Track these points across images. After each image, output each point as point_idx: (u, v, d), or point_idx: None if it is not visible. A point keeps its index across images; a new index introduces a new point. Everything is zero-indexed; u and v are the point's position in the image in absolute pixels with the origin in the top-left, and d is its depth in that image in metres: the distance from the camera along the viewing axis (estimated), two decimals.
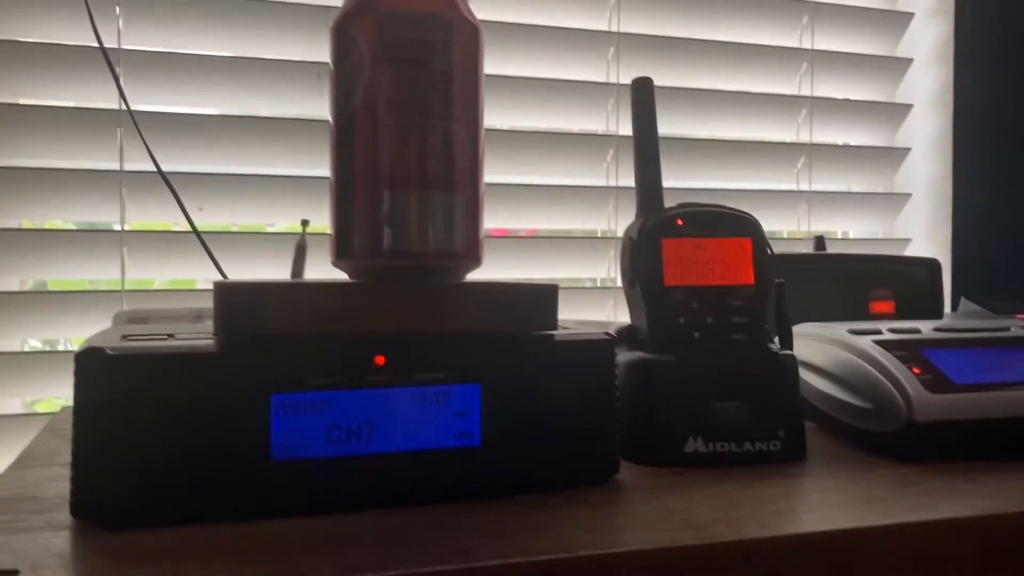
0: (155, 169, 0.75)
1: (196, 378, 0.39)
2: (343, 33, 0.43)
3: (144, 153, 0.75)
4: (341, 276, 0.46)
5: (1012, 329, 0.59)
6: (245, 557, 0.34)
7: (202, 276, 0.95)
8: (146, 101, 0.91)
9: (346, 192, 0.43)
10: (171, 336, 0.43)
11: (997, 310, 0.96)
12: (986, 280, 1.19)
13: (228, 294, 0.41)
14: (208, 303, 0.44)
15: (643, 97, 0.55)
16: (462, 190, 0.43)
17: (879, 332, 0.56)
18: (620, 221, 1.09)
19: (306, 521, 0.38)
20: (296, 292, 0.41)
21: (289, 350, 0.40)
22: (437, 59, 0.43)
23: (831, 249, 0.86)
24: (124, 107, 0.77)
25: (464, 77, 0.44)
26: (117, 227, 0.91)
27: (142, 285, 1.01)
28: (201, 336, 0.43)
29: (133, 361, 0.38)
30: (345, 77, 0.43)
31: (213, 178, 0.93)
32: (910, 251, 1.24)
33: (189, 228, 0.75)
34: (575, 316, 1.03)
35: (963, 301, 1.01)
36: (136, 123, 0.76)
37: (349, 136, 0.43)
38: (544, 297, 0.45)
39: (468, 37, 0.44)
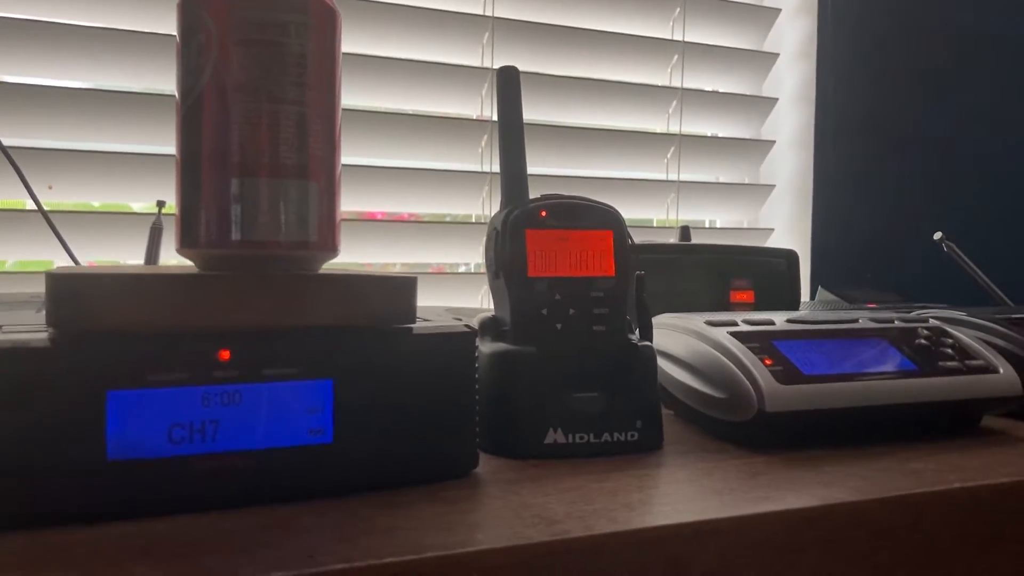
0: None
1: (25, 374, 0.36)
2: (190, 9, 0.41)
3: None
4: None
5: (860, 321, 0.61)
6: (69, 564, 0.32)
7: (60, 258, 0.90)
8: None
9: (192, 177, 0.41)
10: None
11: (851, 299, 1.01)
12: (842, 270, 1.24)
13: (60, 284, 0.38)
14: None
15: (508, 87, 0.55)
16: (315, 178, 0.42)
17: (735, 324, 0.58)
18: (494, 206, 1.09)
19: (141, 525, 0.36)
20: (135, 282, 0.39)
21: (127, 344, 0.38)
22: (290, 42, 0.41)
23: (696, 239, 0.88)
24: None
25: (319, 61, 0.42)
26: None
27: None
28: (33, 328, 0.40)
29: None
30: (191, 57, 0.41)
31: (64, 154, 0.88)
32: (773, 240, 1.28)
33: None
34: (447, 302, 1.02)
35: (820, 290, 1.05)
36: None
37: (195, 119, 0.41)
38: (402, 289, 0.44)
39: (324, 20, 0.42)
